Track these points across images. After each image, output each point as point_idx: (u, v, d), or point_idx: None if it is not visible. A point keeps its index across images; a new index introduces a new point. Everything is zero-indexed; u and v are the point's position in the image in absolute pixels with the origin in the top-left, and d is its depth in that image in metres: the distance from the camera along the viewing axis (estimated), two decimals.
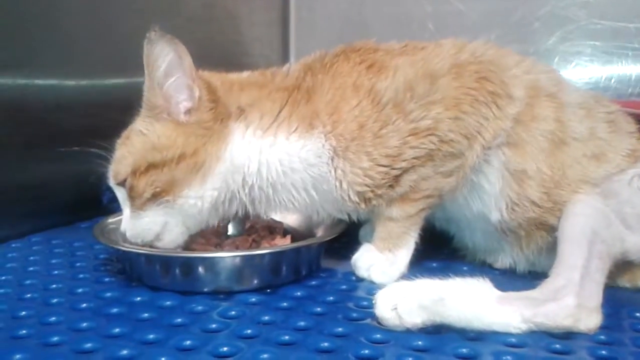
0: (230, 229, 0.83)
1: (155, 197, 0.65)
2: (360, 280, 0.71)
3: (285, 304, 0.63)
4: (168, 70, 0.64)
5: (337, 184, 0.67)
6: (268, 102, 0.68)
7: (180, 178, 0.65)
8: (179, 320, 0.59)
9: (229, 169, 0.67)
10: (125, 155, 0.67)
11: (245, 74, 0.73)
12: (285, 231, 0.80)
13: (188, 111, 0.66)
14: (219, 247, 0.77)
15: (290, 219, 0.82)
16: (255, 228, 0.79)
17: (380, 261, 0.70)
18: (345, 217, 0.73)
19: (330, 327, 0.57)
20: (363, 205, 0.69)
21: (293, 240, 0.76)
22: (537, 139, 0.68)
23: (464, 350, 0.53)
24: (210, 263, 0.65)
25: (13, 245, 0.85)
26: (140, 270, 0.69)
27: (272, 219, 0.80)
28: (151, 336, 0.55)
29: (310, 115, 0.66)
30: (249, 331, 0.56)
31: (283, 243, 0.75)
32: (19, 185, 0.90)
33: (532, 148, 0.67)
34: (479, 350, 0.53)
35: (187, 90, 0.66)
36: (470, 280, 0.57)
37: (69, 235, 0.90)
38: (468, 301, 0.55)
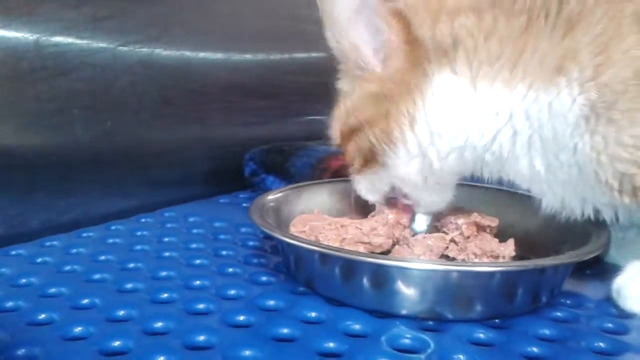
0: (417, 221, 0.62)
1: (366, 164, 0.53)
2: (627, 315, 0.48)
3: (534, 348, 0.42)
4: (348, 7, 0.47)
5: (593, 156, 0.45)
6: (488, 34, 0.46)
7: (376, 144, 0.50)
8: None
9: (426, 133, 0.49)
10: (334, 119, 0.55)
11: None
12: (498, 233, 0.58)
13: (380, 60, 0.49)
14: (404, 244, 0.56)
15: (509, 217, 0.59)
16: (456, 224, 0.57)
17: None
18: (587, 211, 0.50)
19: None
20: (627, 198, 0.46)
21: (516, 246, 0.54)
22: None
23: None
24: (415, 276, 0.45)
25: (143, 220, 0.70)
26: (311, 273, 0.50)
27: (481, 213, 0.58)
28: None
29: (561, 55, 0.44)
30: None
31: (506, 251, 0.53)
32: (148, 149, 0.75)
33: None
34: None
35: (375, 32, 0.48)
36: None
37: (208, 212, 0.74)
38: None
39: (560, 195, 0.50)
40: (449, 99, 0.47)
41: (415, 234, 0.60)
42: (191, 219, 0.71)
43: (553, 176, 0.48)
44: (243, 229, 0.68)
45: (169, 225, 0.68)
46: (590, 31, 0.44)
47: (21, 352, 0.39)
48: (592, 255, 0.47)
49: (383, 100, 0.49)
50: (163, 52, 0.76)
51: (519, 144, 0.48)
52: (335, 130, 0.55)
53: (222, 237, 0.65)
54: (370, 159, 0.52)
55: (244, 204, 0.79)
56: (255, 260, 0.57)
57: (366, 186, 0.56)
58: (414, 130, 0.49)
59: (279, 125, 0.96)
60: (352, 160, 0.54)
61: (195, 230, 0.66)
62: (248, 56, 0.91)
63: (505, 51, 0.46)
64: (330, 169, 0.76)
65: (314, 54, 1.02)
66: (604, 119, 0.44)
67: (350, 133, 0.52)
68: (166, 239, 0.63)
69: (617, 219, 0.51)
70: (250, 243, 0.63)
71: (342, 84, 0.53)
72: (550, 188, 0.50)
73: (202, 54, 0.82)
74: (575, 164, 0.47)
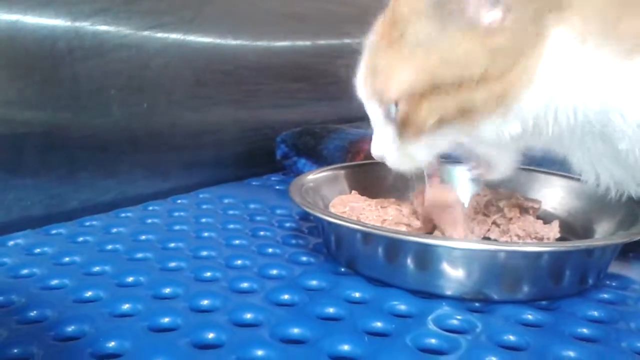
0: None
1: (439, 124, 0.44)
2: None
3: (584, 329, 0.41)
4: None
5: None
6: None
7: (477, 105, 0.43)
8: (433, 341, 0.39)
9: (540, 97, 0.43)
10: (397, 70, 0.44)
11: None
12: (539, 216, 0.57)
13: (497, 12, 0.42)
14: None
15: (551, 199, 0.59)
16: (498, 206, 0.57)
17: None
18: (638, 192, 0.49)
19: None
20: None
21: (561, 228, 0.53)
22: None
23: None
24: (461, 256, 0.44)
25: (179, 201, 0.70)
26: (353, 253, 0.49)
27: (523, 195, 0.57)
28: None
29: None
30: None
31: (550, 233, 0.52)
32: (183, 130, 0.75)
33: None
34: None
35: None
36: None
37: (241, 194, 0.74)
38: None
39: (611, 175, 0.48)
40: (560, 64, 0.43)
41: None
42: (226, 201, 0.71)
43: (607, 157, 0.46)
44: (278, 211, 0.67)
45: (204, 206, 0.68)
46: None
47: (71, 328, 0.39)
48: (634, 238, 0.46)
49: (500, 56, 0.42)
50: (196, 34, 0.75)
51: (597, 120, 0.44)
52: (395, 84, 0.45)
53: (258, 218, 0.65)
54: (456, 119, 0.44)
55: (277, 187, 0.79)
56: (293, 241, 0.57)
57: (406, 155, 0.48)
58: (526, 94, 0.43)
59: (310, 108, 0.96)
60: (419, 123, 0.45)
61: (231, 212, 0.66)
62: (279, 38, 0.90)
63: (607, 10, 0.42)
64: (363, 152, 0.76)
65: (344, 37, 1.01)
66: None
67: (434, 90, 0.44)
68: (203, 220, 0.63)
69: None
70: (287, 224, 0.63)
71: (425, 28, 0.44)
72: (600, 167, 0.48)
73: (234, 36, 0.82)
74: (633, 145, 0.44)
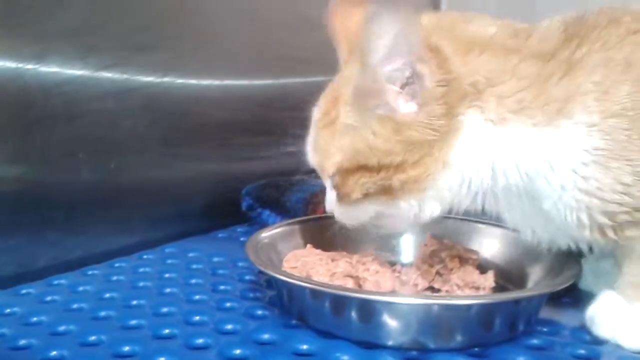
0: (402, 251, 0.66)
1: (365, 197, 0.52)
2: (599, 342, 0.51)
3: None
4: (388, 53, 0.46)
5: (583, 199, 0.47)
6: (513, 76, 0.48)
7: (397, 188, 0.50)
8: None
9: (456, 177, 0.50)
10: (331, 150, 0.52)
11: (490, 28, 0.51)
12: (480, 264, 0.61)
13: (412, 105, 0.48)
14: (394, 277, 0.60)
15: (489, 249, 0.63)
16: (440, 257, 0.61)
17: (632, 317, 0.50)
18: (566, 244, 0.54)
19: None
20: (611, 234, 0.49)
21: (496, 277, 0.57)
22: None
23: None
24: (399, 310, 0.48)
25: (145, 256, 0.73)
26: (303, 307, 0.53)
27: (463, 245, 0.62)
28: None
29: (563, 98, 0.47)
30: None
31: (486, 282, 0.56)
32: (151, 187, 0.79)
33: None
34: None
35: (413, 80, 0.48)
36: None
37: (206, 247, 0.77)
38: None
39: (540, 231, 0.53)
40: (476, 146, 0.49)
41: (402, 265, 0.64)
42: (191, 254, 0.74)
43: (536, 215, 0.51)
44: (240, 264, 0.71)
45: (169, 261, 0.71)
46: (590, 77, 0.47)
47: None
48: (561, 287, 0.50)
49: (415, 147, 0.48)
50: (162, 96, 0.80)
51: (524, 188, 0.49)
52: (330, 164, 0.53)
53: (220, 272, 0.68)
54: (377, 196, 0.51)
55: (242, 238, 0.83)
56: (251, 295, 0.61)
57: (347, 214, 0.55)
58: (442, 178, 0.50)
59: (276, 160, 1.00)
60: (348, 194, 0.52)
61: (194, 266, 0.70)
62: (243, 95, 0.95)
63: (526, 92, 0.48)
64: (323, 203, 0.80)
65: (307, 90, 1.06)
66: (603, 166, 0.46)
67: (359, 169, 0.50)
68: (167, 275, 0.66)
69: (591, 251, 0.54)
70: (247, 277, 0.66)
71: (351, 118, 0.51)
72: (531, 224, 0.53)
73: (198, 96, 0.87)
74: (555, 204, 0.49)
